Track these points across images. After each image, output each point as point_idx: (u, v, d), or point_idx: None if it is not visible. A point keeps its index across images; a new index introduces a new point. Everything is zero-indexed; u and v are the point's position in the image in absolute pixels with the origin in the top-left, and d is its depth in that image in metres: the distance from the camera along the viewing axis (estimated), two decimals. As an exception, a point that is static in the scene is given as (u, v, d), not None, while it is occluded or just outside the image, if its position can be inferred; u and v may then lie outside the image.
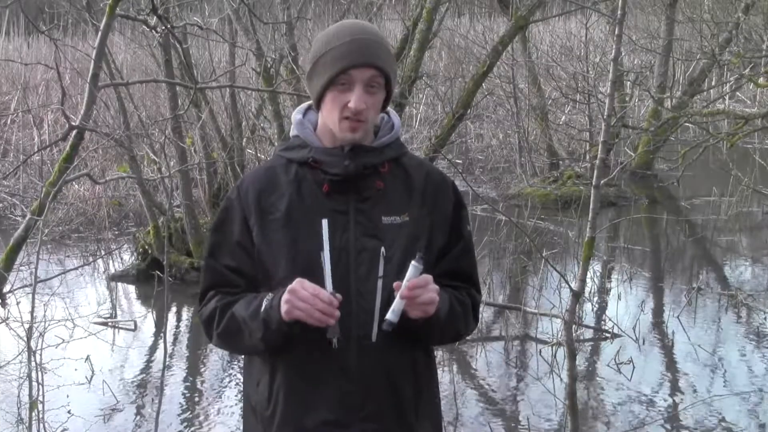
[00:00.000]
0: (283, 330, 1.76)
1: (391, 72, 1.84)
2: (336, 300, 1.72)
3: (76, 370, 5.21)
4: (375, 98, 1.82)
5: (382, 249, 1.81)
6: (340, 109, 1.80)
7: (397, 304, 1.74)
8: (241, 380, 5.16)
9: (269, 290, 1.83)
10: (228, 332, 1.86)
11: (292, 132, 1.93)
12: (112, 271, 7.63)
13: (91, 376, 5.18)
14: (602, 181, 3.23)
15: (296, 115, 1.93)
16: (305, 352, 1.81)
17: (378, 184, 1.86)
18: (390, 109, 1.97)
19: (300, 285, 1.73)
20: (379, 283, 1.80)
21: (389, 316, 1.74)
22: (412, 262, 1.74)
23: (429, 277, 1.77)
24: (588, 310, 6.50)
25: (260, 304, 1.79)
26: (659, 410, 4.72)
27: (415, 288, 1.73)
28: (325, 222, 1.78)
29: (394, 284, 1.75)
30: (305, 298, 1.71)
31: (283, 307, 1.73)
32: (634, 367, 5.22)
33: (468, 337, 4.33)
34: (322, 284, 1.75)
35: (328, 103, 1.83)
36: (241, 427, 4.69)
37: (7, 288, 4.72)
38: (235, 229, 1.88)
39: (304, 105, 1.95)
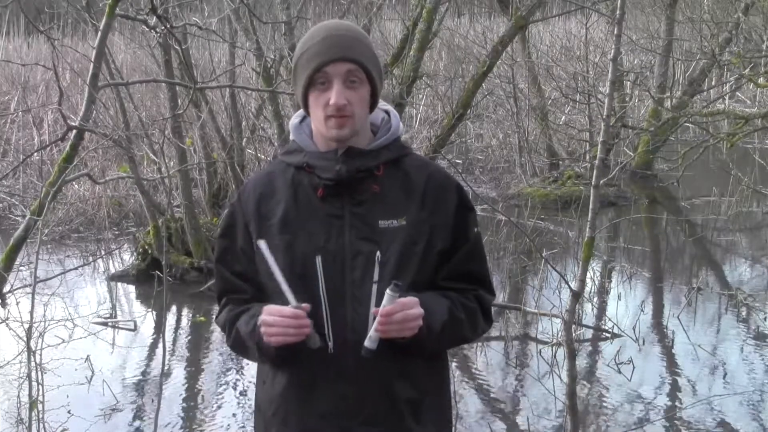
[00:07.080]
0: (271, 353, 1.80)
1: (371, 65, 1.80)
2: (301, 311, 1.73)
3: (76, 370, 5.21)
4: (358, 93, 1.79)
5: (377, 253, 1.79)
6: (323, 108, 1.78)
7: (373, 333, 1.74)
8: (240, 380, 5.19)
9: (272, 294, 1.85)
10: (236, 345, 1.93)
11: (291, 136, 1.93)
12: (112, 271, 7.63)
13: (91, 376, 5.18)
14: (602, 181, 3.22)
15: (294, 120, 1.93)
16: (304, 357, 1.80)
17: (374, 187, 1.83)
18: (391, 109, 1.94)
19: (266, 313, 1.76)
20: (374, 287, 1.78)
21: (366, 342, 1.75)
22: (387, 291, 1.71)
23: (406, 303, 1.73)
24: (588, 310, 6.49)
25: (256, 324, 1.81)
26: (659, 410, 4.72)
27: (386, 316, 1.71)
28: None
29: (372, 311, 1.74)
30: (272, 322, 1.74)
31: (265, 339, 1.77)
32: (634, 367, 5.22)
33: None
34: (318, 289, 1.78)
35: (312, 105, 1.82)
36: (240, 427, 4.71)
37: (7, 288, 4.72)
38: (239, 236, 1.90)
39: (302, 110, 1.93)
